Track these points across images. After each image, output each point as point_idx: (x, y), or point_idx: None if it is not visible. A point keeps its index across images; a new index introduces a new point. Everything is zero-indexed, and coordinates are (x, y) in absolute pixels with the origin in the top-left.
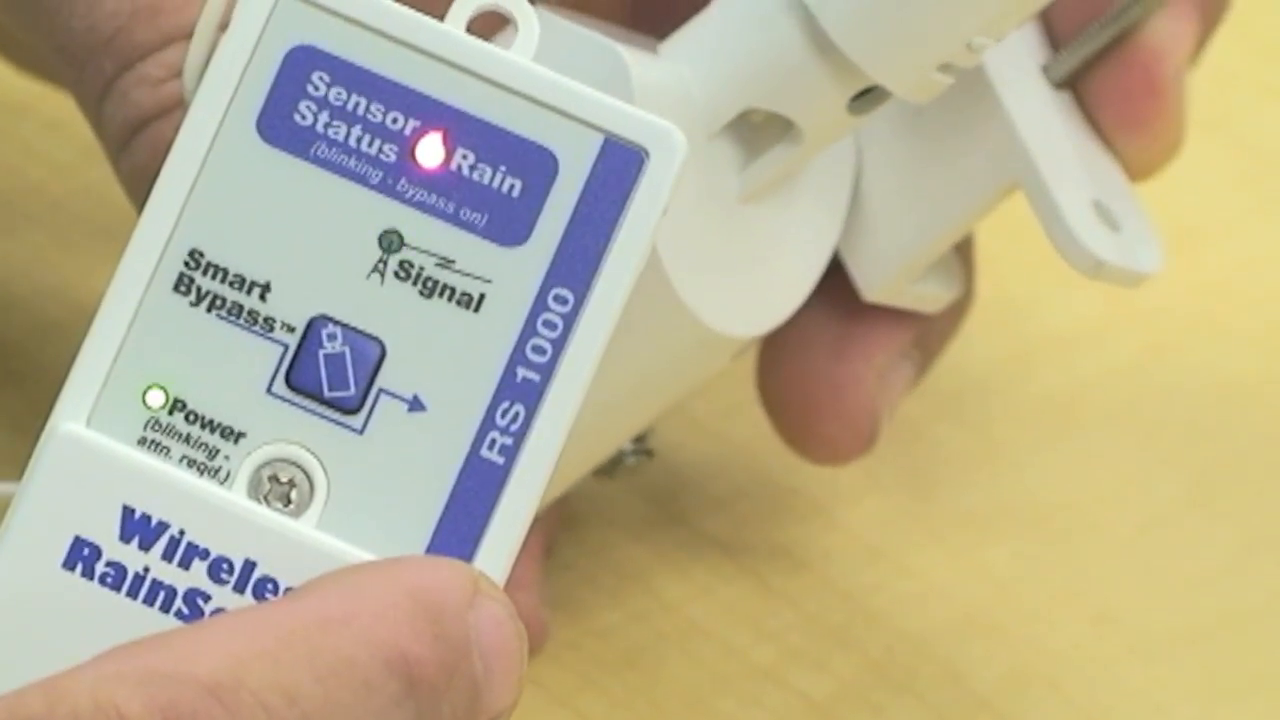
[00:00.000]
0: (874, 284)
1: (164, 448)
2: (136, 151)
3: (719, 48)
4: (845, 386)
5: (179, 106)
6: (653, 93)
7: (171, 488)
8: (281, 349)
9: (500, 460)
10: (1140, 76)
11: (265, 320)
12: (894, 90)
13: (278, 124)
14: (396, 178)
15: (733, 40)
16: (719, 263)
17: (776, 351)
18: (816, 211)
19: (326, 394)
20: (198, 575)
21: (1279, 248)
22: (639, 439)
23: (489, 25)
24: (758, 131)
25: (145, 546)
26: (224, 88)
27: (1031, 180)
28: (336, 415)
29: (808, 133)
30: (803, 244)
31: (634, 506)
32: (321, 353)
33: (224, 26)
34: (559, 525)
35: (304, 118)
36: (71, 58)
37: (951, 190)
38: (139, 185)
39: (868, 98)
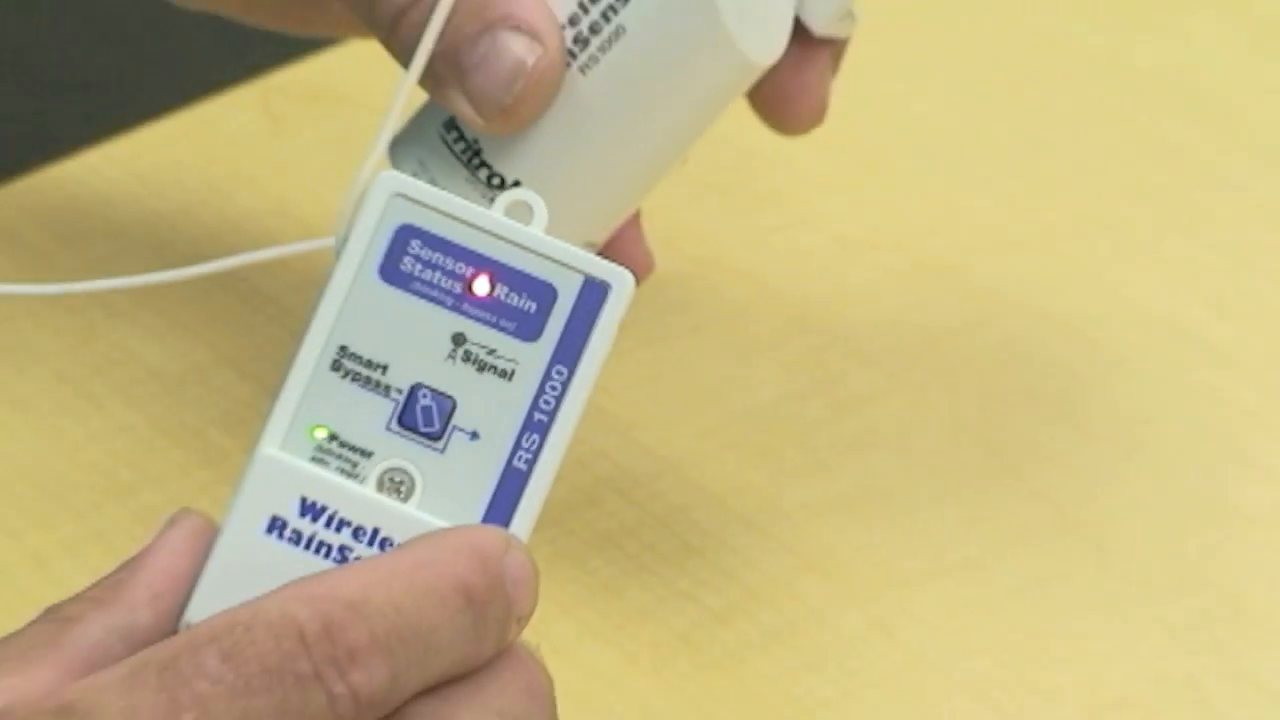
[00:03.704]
0: (817, 25)
1: (325, 462)
2: (400, 32)
3: None
4: (807, 79)
5: (415, 6)
6: None
7: (330, 485)
8: (395, 403)
9: (524, 468)
10: None
11: (384, 386)
12: None
13: (391, 271)
14: (461, 302)
15: None
16: (747, 20)
17: (767, 76)
18: None
19: (421, 430)
20: (345, 537)
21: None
22: None
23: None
24: None
25: (314, 520)
26: (359, 249)
27: None
28: (427, 442)
29: None
30: (781, 8)
31: None
32: (418, 405)
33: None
34: None
35: (407, 267)
36: None
37: None
38: (405, 54)
39: None
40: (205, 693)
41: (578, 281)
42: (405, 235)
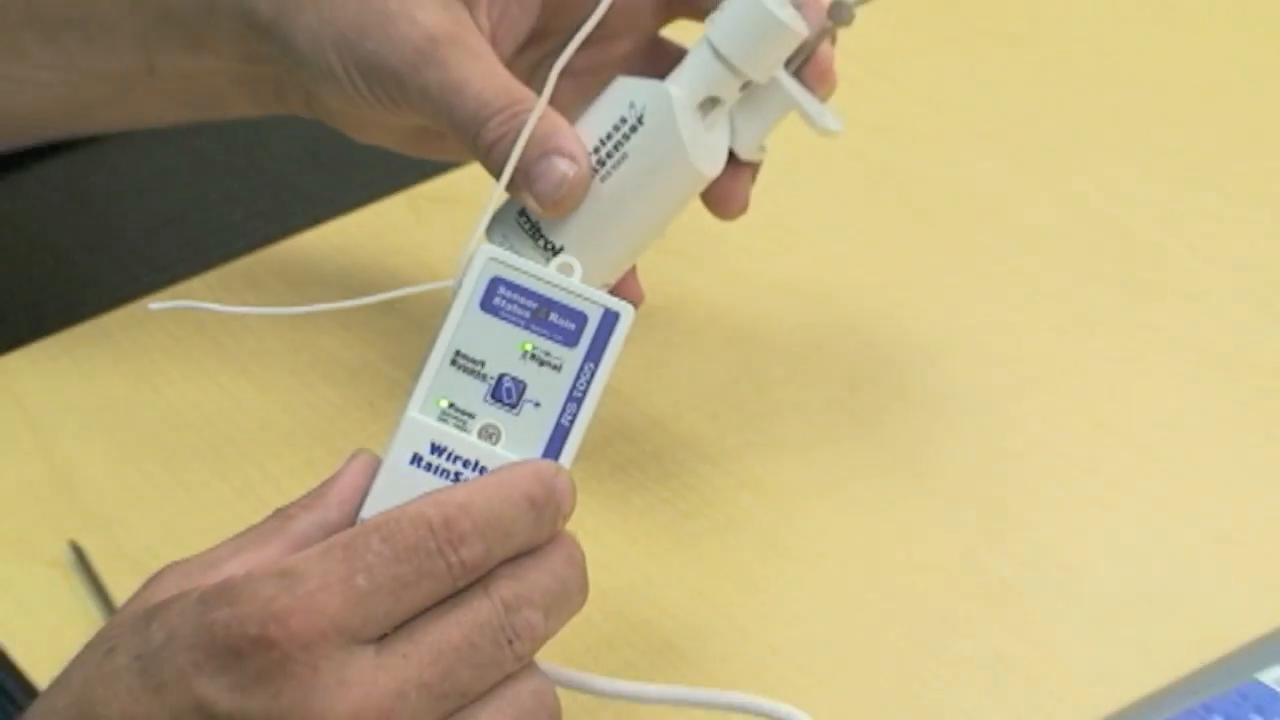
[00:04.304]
0: (743, 153)
1: (446, 421)
2: (492, 157)
3: (694, 77)
4: (737, 186)
5: (502, 140)
6: (688, 104)
7: (450, 435)
8: (489, 385)
9: (568, 425)
10: (828, 65)
11: (483, 375)
12: (759, 81)
13: (487, 304)
14: (530, 323)
15: (697, 71)
16: (700, 149)
17: (711, 187)
18: (722, 134)
19: (505, 401)
20: (458, 466)
21: None
22: None
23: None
24: (704, 105)
25: (439, 456)
26: (468, 291)
27: (791, 101)
28: (508, 409)
29: (726, 101)
30: (721, 143)
31: None
32: (504, 386)
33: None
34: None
35: (497, 302)
36: (459, 126)
37: (765, 112)
38: (496, 171)
39: (749, 87)
40: (371, 561)
41: (600, 311)
42: (496, 283)
